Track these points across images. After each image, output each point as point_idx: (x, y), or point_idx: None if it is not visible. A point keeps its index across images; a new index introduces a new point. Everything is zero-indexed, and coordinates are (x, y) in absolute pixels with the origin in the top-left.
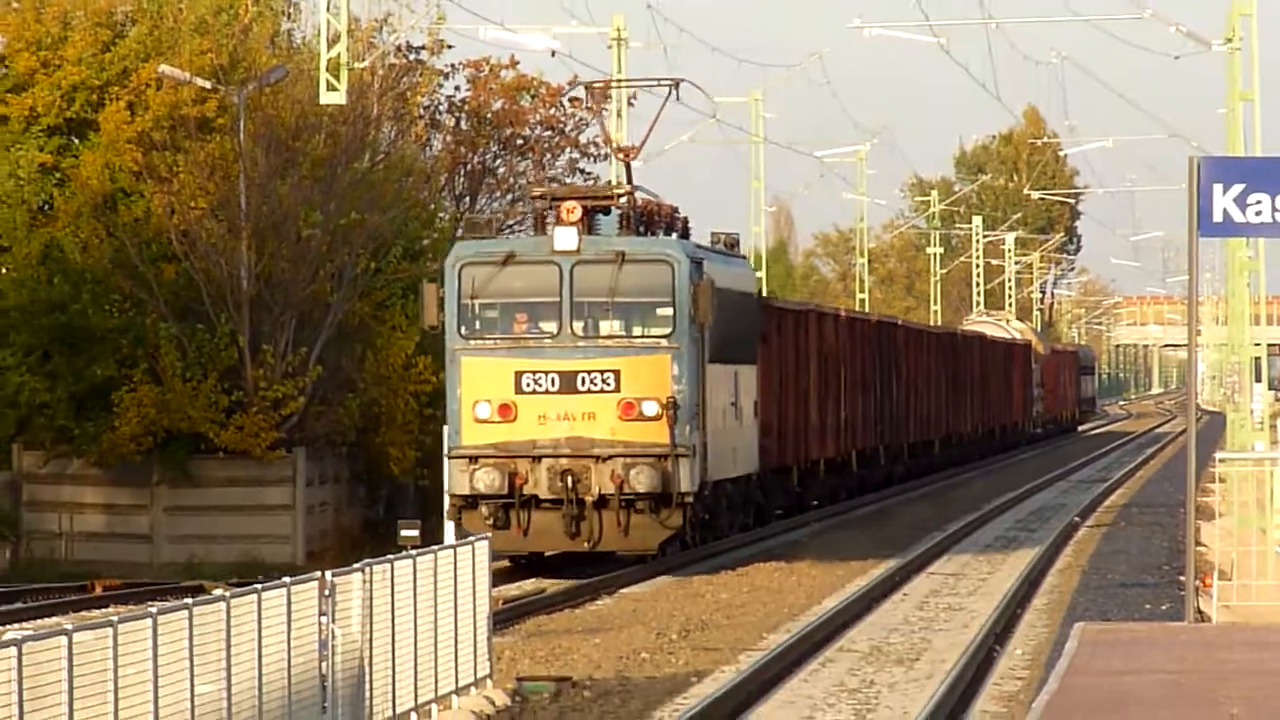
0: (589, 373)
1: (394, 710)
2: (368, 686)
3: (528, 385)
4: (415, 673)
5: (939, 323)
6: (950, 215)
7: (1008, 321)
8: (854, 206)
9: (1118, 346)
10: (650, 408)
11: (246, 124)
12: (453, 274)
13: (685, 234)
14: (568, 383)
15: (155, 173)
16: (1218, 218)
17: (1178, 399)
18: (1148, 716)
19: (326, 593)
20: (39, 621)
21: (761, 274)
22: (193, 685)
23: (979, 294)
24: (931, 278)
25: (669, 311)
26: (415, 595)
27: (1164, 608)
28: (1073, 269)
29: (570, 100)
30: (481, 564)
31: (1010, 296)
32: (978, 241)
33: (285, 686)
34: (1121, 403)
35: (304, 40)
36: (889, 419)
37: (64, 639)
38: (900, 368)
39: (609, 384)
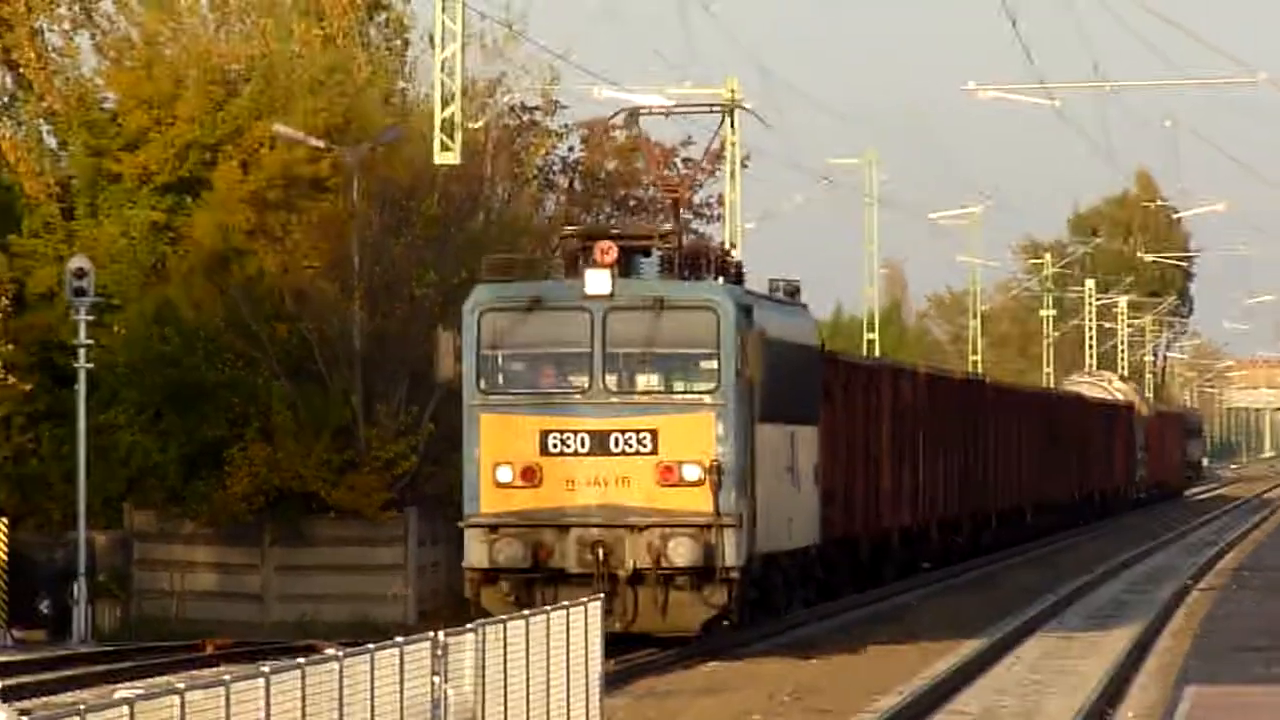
0: (623, 432)
1: None
2: None
3: (554, 446)
4: None
5: (1051, 385)
6: (1063, 278)
7: (1110, 382)
8: (967, 268)
9: (1229, 410)
10: (691, 472)
11: (360, 183)
12: (471, 321)
13: (738, 279)
14: (599, 443)
15: (268, 232)
16: None
17: None
18: None
19: (439, 652)
20: (150, 680)
21: (875, 336)
22: None
23: (1091, 356)
24: (1044, 340)
25: (713, 365)
26: (528, 655)
27: (1277, 670)
28: (1185, 332)
29: (684, 162)
30: (594, 625)
31: (1123, 359)
32: (1090, 304)
33: None
34: (1233, 467)
35: (418, 100)
36: (974, 485)
37: (176, 698)
38: (988, 429)
39: (645, 445)
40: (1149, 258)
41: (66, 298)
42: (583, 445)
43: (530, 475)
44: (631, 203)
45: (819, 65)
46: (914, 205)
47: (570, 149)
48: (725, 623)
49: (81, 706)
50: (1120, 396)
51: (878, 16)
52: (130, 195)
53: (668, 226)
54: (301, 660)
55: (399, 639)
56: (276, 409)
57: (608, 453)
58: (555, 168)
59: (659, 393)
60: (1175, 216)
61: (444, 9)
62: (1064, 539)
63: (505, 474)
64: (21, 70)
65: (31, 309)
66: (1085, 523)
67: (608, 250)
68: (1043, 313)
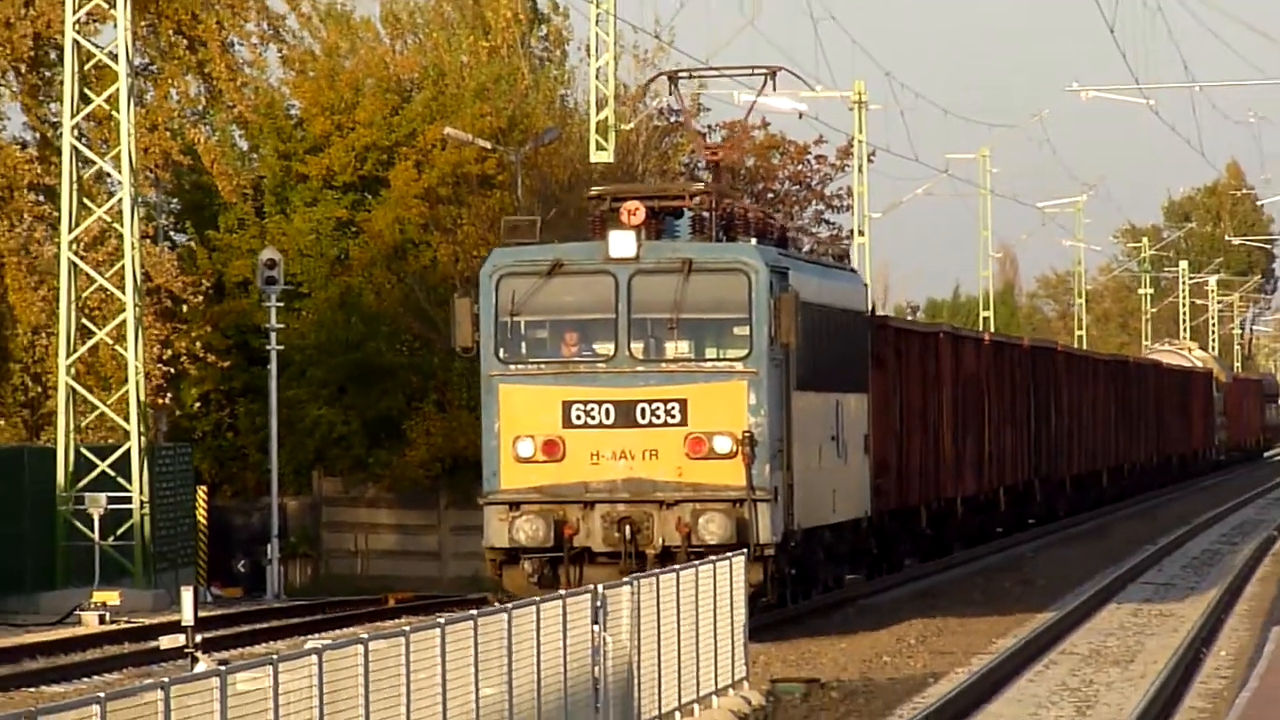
0: (650, 403)
1: (659, 710)
2: (636, 688)
3: (578, 418)
4: (679, 676)
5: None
6: (1159, 259)
7: (1189, 350)
8: (1072, 252)
9: None
10: (723, 444)
11: (523, 180)
12: (489, 286)
13: (782, 242)
14: (625, 415)
15: (441, 225)
16: None
17: None
18: None
19: (599, 604)
20: (338, 631)
21: (990, 314)
22: (477, 689)
23: (1185, 330)
24: (1143, 316)
25: (745, 330)
26: (678, 605)
27: None
28: (1269, 307)
29: (816, 158)
30: (738, 577)
31: (1213, 333)
32: (1184, 283)
33: (561, 689)
34: None
35: (575, 104)
36: (1046, 450)
37: (360, 647)
38: (1060, 396)
39: (674, 416)
40: (1237, 240)
41: (259, 287)
42: (608, 417)
43: (553, 449)
44: (769, 196)
45: (939, 68)
46: (1024, 195)
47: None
48: (763, 599)
49: (275, 656)
50: (1199, 364)
51: (991, 25)
52: (315, 194)
53: (698, 185)
54: (474, 612)
55: (562, 592)
56: (452, 384)
57: (634, 424)
58: (699, 165)
59: (688, 360)
60: (1260, 204)
61: (598, 22)
62: (1146, 500)
63: (526, 448)
64: (214, 82)
65: (228, 297)
66: (1164, 485)
67: (635, 211)
68: (1141, 291)
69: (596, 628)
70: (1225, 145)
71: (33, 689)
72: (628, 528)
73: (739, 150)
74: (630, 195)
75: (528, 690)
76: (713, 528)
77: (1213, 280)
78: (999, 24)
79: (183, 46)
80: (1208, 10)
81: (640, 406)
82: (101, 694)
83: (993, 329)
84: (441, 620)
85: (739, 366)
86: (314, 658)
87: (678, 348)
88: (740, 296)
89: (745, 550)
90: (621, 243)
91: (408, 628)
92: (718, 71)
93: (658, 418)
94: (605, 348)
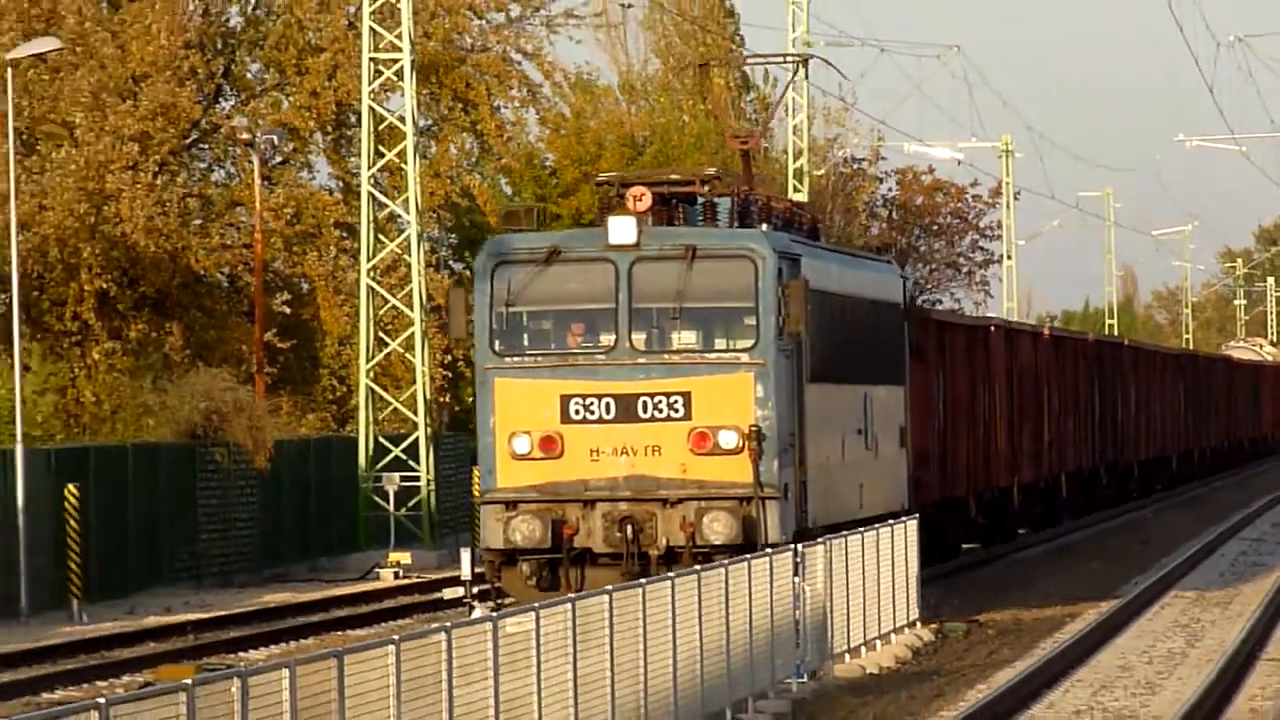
0: (652, 396)
1: (849, 644)
2: (829, 627)
3: (577, 412)
4: (864, 617)
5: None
6: (1251, 276)
7: (1260, 346)
8: (1180, 271)
9: None
10: (728, 438)
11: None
12: (484, 275)
13: (813, 234)
14: (626, 409)
15: None
16: None
17: None
18: None
19: (799, 560)
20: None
21: (1114, 322)
22: (701, 628)
23: (1273, 333)
24: (1238, 322)
25: (751, 319)
26: (864, 560)
27: None
28: None
29: (973, 197)
30: (911, 536)
31: None
32: (1271, 295)
33: (769, 628)
34: None
35: (776, 154)
36: (1112, 438)
37: (606, 598)
38: (1127, 387)
39: (677, 410)
40: None
41: None
42: (608, 411)
43: (550, 445)
44: (934, 227)
45: (1071, 121)
46: (1142, 225)
47: (889, 189)
48: None
49: (536, 605)
50: (1269, 358)
51: (1114, 84)
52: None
53: (710, 171)
54: (697, 568)
55: (768, 550)
56: None
57: (636, 419)
58: (878, 203)
59: (691, 351)
60: None
61: (793, 89)
62: (1220, 479)
63: (522, 444)
64: (484, 138)
65: None
66: (1233, 468)
67: (641, 196)
68: (1236, 302)
69: (797, 579)
70: None
71: (340, 632)
72: (630, 527)
73: (910, 191)
74: (637, 181)
75: (742, 630)
76: (717, 527)
77: None
78: (1121, 83)
79: (458, 110)
80: None
81: (642, 400)
82: (396, 636)
83: (1116, 334)
84: (671, 575)
85: (745, 358)
86: (568, 605)
87: (681, 338)
88: (746, 284)
89: (916, 514)
90: (621, 229)
91: (643, 580)
92: (757, 57)
93: (660, 412)
94: (605, 339)
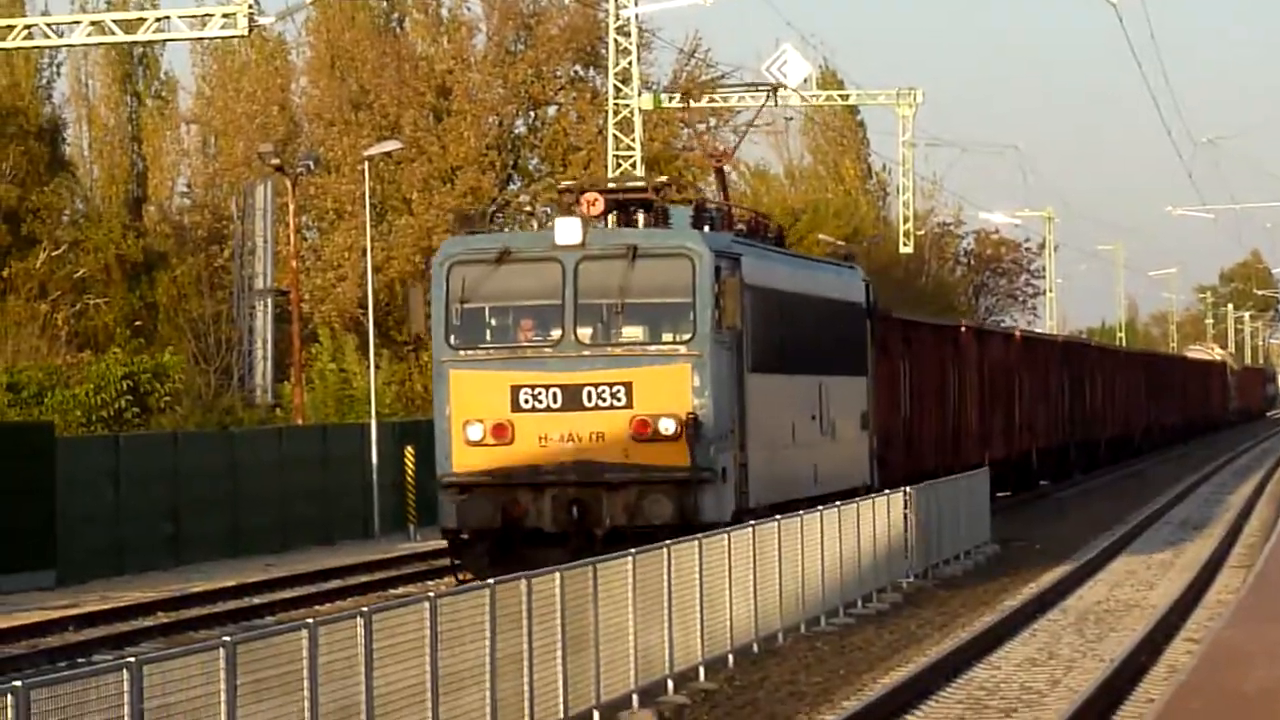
0: (597, 386)
1: (940, 557)
2: (933, 545)
3: (526, 402)
4: (956, 536)
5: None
6: (1216, 304)
7: (1213, 349)
8: (1168, 300)
9: None
10: (667, 425)
11: (861, 264)
12: (440, 274)
13: (779, 241)
14: (572, 398)
15: None
16: None
17: None
18: None
19: (907, 498)
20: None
21: (1122, 334)
22: (841, 544)
23: (1231, 343)
24: (1208, 336)
25: (689, 314)
26: (956, 496)
27: None
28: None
29: (1025, 248)
30: (985, 482)
31: (1241, 343)
32: (1231, 319)
33: (888, 546)
34: None
35: (889, 219)
36: (1079, 419)
37: (750, 531)
38: (1094, 378)
39: (620, 399)
40: (1259, 291)
41: None
42: (555, 400)
43: (502, 432)
44: (999, 270)
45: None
46: (1143, 267)
47: (968, 244)
48: None
49: (717, 532)
50: (1218, 357)
51: (1123, 170)
52: None
53: (662, 178)
54: (821, 508)
55: (887, 492)
56: None
57: (581, 408)
58: (960, 254)
59: (633, 344)
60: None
61: (904, 173)
62: (1180, 448)
63: (476, 432)
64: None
65: None
66: (1185, 440)
67: (594, 202)
68: (1206, 321)
69: (907, 512)
70: (1252, 234)
71: None
72: (576, 509)
73: (984, 245)
74: (591, 188)
75: (868, 547)
76: (656, 509)
77: (1245, 314)
78: (1128, 170)
79: (673, 190)
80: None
81: (587, 390)
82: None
83: (1123, 344)
84: (802, 514)
85: (683, 350)
86: (724, 536)
87: (623, 332)
88: (684, 281)
89: (987, 465)
90: (567, 229)
91: (778, 518)
92: (729, 88)
93: (604, 401)
94: (552, 333)
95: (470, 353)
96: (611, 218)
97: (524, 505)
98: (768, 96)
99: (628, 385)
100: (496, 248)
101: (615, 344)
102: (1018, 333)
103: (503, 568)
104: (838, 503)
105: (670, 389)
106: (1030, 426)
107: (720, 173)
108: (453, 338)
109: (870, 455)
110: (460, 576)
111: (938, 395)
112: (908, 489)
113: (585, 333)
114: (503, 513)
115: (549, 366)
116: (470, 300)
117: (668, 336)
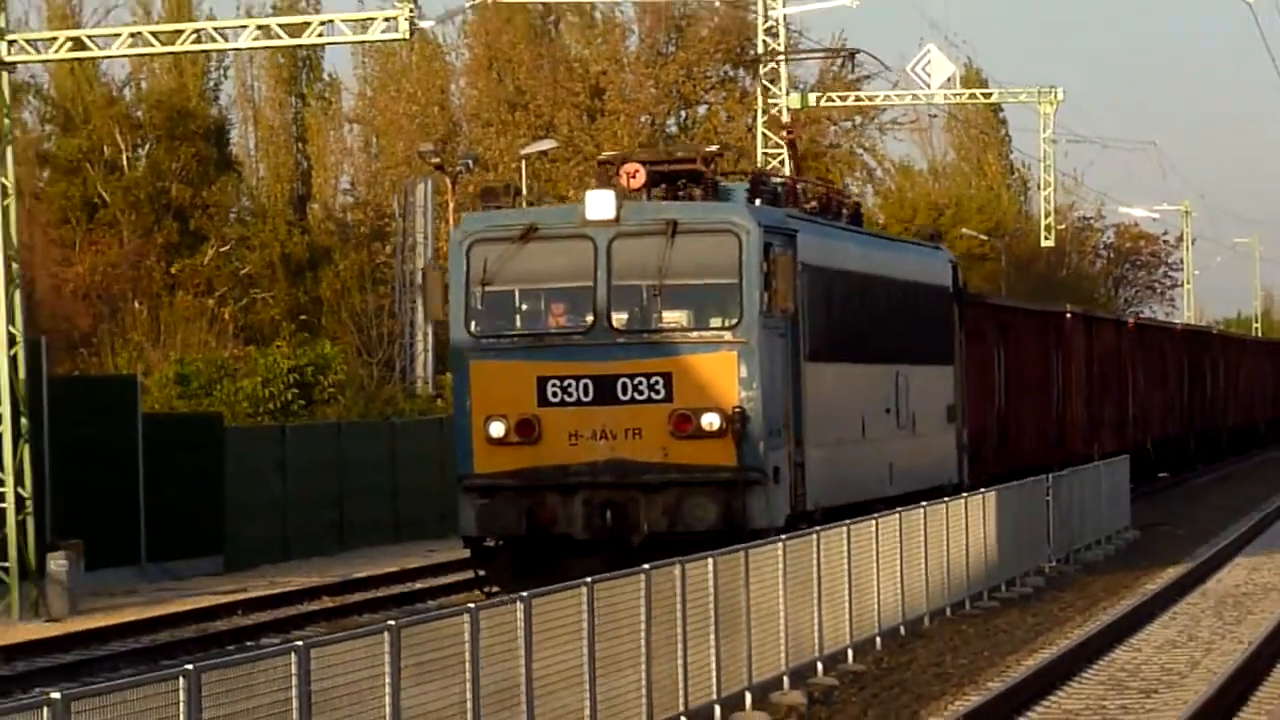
0: (632, 377)
1: (1081, 542)
2: (1074, 529)
3: (554, 395)
4: (1098, 522)
5: None
6: None
7: None
8: None
9: None
10: (711, 420)
11: (1004, 256)
12: (459, 254)
13: (855, 219)
14: (606, 391)
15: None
16: None
17: None
18: None
19: (1048, 487)
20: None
21: (1259, 325)
22: (985, 530)
23: None
24: None
25: (736, 297)
26: (1098, 486)
27: None
28: None
29: (1164, 240)
30: (1124, 470)
31: None
32: None
33: (1029, 532)
34: None
35: (1030, 213)
36: (1199, 409)
37: (874, 524)
38: (1216, 367)
39: (658, 391)
40: None
41: None
42: (586, 393)
43: (527, 429)
44: (1139, 262)
45: (1234, 187)
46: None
47: (1109, 238)
48: None
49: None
50: None
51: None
52: None
53: (713, 147)
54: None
55: (1027, 480)
56: None
57: (615, 401)
58: (1101, 247)
59: (672, 330)
60: None
61: (1045, 169)
62: None
63: (498, 428)
64: None
65: None
66: None
67: (635, 173)
68: None
69: (1049, 499)
70: None
71: None
72: (610, 514)
73: (1125, 237)
74: (635, 159)
75: (1009, 532)
76: (699, 513)
77: None
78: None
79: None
80: None
81: (621, 381)
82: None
83: (1260, 335)
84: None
85: (728, 336)
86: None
87: (662, 317)
88: (729, 259)
89: (1124, 455)
90: (599, 203)
91: (923, 504)
92: (801, 55)
93: (640, 393)
94: (583, 318)
95: (492, 340)
96: (657, 193)
97: (552, 510)
98: (841, 59)
99: (667, 376)
100: (521, 224)
101: (653, 330)
102: (1131, 319)
103: (529, 579)
104: (981, 489)
105: (714, 380)
106: (1145, 417)
107: (792, 145)
108: (473, 324)
109: (959, 450)
110: (487, 590)
111: (1038, 386)
112: (1049, 477)
113: (620, 318)
114: (528, 518)
115: (579, 356)
116: (492, 282)
117: (712, 321)
